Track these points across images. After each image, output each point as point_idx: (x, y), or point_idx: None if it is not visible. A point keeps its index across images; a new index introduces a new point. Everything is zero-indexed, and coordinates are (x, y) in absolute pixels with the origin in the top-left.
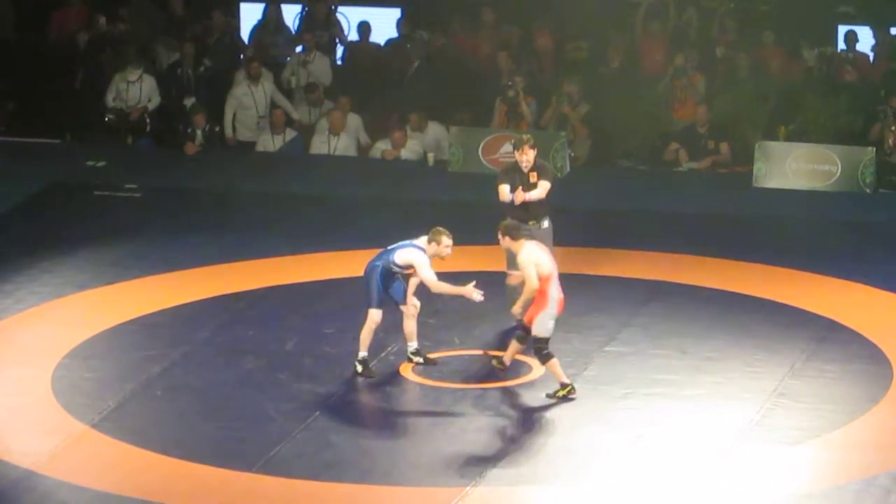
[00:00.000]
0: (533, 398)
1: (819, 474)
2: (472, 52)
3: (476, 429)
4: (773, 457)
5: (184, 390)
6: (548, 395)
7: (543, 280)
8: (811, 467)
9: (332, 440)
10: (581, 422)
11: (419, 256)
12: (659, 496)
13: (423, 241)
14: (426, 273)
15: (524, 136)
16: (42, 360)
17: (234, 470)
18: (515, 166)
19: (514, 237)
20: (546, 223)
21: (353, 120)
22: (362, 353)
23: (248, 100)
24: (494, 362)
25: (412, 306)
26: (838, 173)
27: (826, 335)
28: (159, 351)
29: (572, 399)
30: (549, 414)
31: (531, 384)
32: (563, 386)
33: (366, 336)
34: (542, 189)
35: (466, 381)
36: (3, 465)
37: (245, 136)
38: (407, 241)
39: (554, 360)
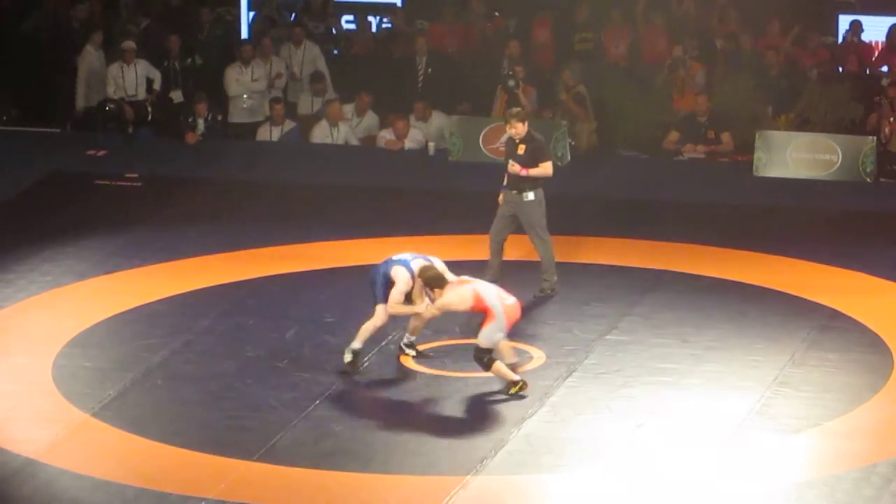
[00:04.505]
0: (533, 387)
1: (819, 463)
2: (465, 41)
3: (476, 418)
4: (774, 445)
5: (184, 379)
6: (501, 392)
7: (478, 301)
8: (811, 456)
9: (332, 429)
10: (582, 410)
11: (404, 278)
12: (659, 484)
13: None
14: (395, 295)
15: (512, 110)
16: (42, 349)
17: (235, 459)
18: (511, 139)
19: (442, 286)
20: (531, 195)
21: (370, 118)
22: (357, 345)
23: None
24: (513, 389)
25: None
26: (839, 163)
27: (827, 324)
28: (159, 340)
29: (524, 396)
30: (549, 403)
31: (532, 373)
32: (514, 383)
33: (367, 329)
34: (544, 169)
35: (466, 370)
36: (4, 454)
37: (234, 119)
38: (409, 256)
39: (497, 364)
